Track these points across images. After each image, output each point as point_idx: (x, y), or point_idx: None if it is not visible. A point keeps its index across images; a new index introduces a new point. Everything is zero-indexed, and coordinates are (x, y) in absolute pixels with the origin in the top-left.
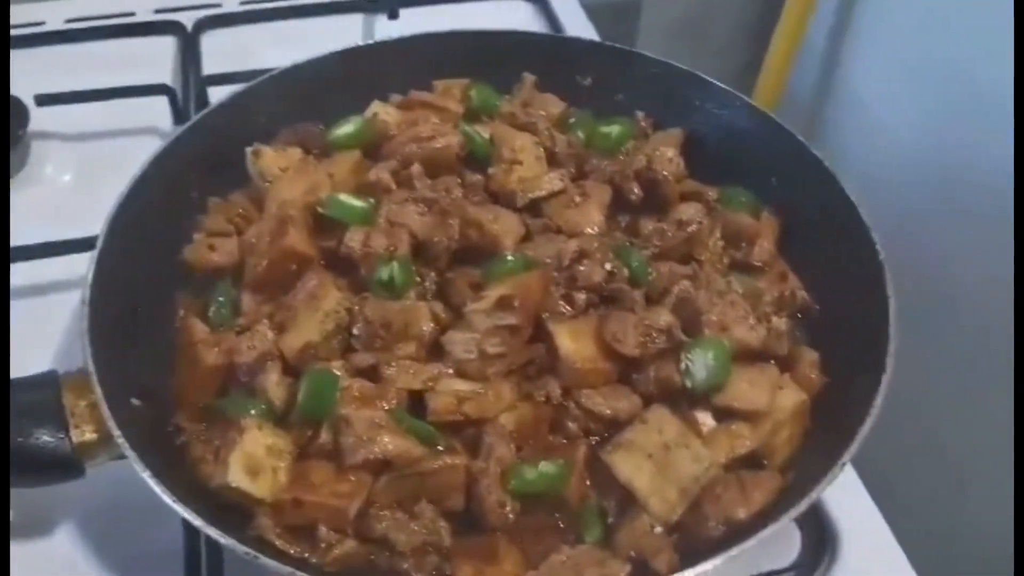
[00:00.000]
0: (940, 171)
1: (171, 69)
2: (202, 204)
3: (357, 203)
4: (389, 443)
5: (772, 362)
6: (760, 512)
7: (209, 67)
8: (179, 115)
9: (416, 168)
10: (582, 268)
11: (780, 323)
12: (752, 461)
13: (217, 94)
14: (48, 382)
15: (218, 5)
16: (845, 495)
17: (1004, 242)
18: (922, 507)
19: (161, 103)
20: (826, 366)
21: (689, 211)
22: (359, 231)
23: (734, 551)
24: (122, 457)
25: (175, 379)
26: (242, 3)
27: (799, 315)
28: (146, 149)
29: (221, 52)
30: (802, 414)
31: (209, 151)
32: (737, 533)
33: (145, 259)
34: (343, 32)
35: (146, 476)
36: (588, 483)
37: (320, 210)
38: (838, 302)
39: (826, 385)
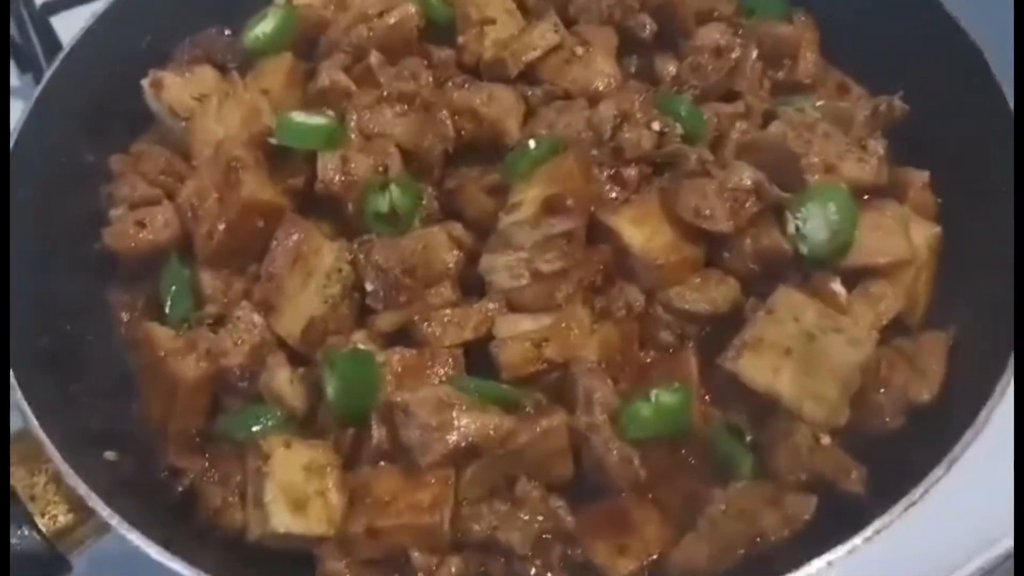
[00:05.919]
0: None
1: None
2: (102, 167)
3: (318, 120)
4: (470, 424)
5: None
6: (944, 388)
7: None
8: (24, 61)
9: (375, 57)
10: (626, 135)
11: (877, 146)
12: (895, 324)
13: (64, 24)
14: None
15: None
16: None
17: None
18: None
19: None
20: (935, 184)
21: (714, 35)
22: (332, 156)
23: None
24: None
25: (146, 408)
26: None
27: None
28: None
29: None
30: (937, 249)
31: (90, 96)
32: (927, 420)
33: (56, 259)
34: None
35: (164, 558)
36: (708, 399)
37: (272, 140)
38: (926, 105)
39: (940, 207)
